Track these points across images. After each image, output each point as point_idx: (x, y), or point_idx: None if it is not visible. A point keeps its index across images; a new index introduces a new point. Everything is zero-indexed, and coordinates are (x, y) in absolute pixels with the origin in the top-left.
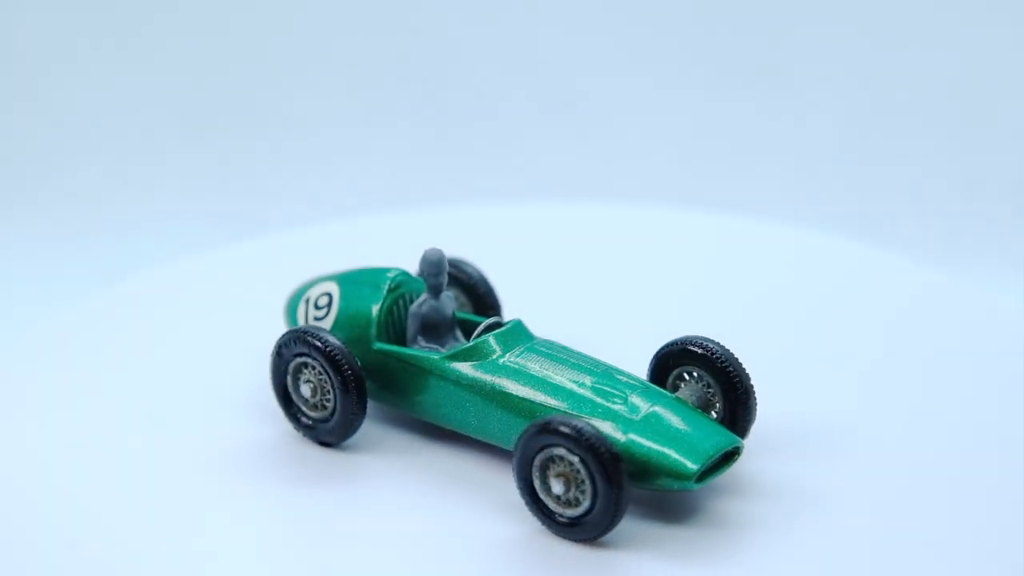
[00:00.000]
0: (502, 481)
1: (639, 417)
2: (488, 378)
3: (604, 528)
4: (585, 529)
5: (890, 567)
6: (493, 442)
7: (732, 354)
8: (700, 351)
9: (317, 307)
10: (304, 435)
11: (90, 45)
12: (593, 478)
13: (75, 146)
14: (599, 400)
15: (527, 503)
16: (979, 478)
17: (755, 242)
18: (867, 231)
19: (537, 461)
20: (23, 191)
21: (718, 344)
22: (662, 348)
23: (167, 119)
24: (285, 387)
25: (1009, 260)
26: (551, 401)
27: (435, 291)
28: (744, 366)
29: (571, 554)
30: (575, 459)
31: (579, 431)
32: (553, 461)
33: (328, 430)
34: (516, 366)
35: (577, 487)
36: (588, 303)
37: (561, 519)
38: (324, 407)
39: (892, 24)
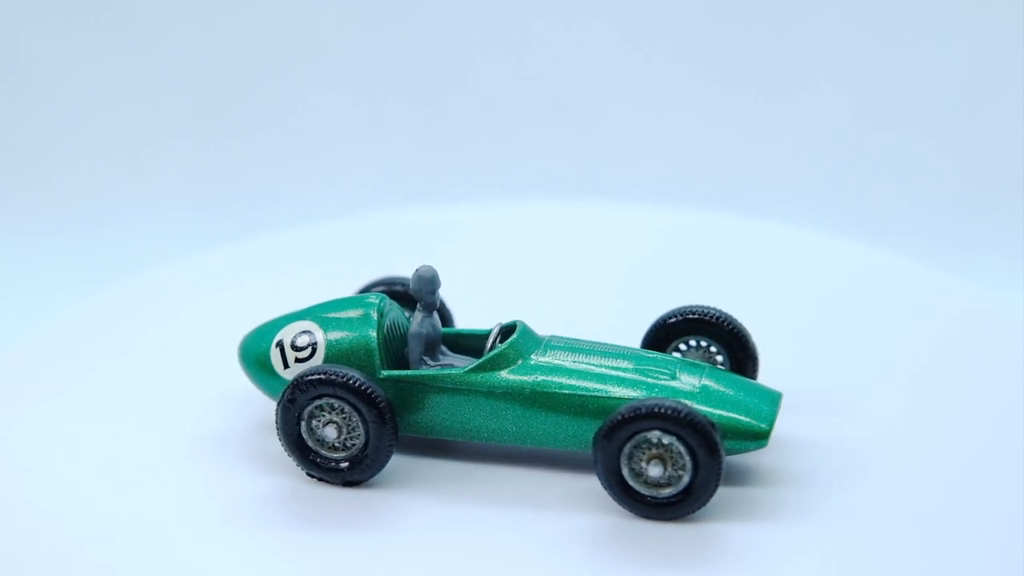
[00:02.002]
0: (542, 480)
1: (697, 389)
2: (527, 379)
3: (706, 499)
4: (687, 504)
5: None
6: (534, 445)
7: (731, 315)
8: (703, 317)
9: (297, 348)
10: (323, 479)
11: (90, 44)
12: (694, 452)
13: (76, 146)
14: (652, 380)
15: (614, 495)
16: (980, 476)
17: (755, 242)
18: (868, 231)
19: (626, 449)
20: (22, 191)
21: (715, 308)
22: (655, 323)
23: (166, 119)
24: (299, 435)
25: (1012, 259)
26: (607, 389)
27: (430, 308)
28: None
29: (657, 532)
30: (671, 438)
31: (675, 410)
32: (640, 447)
33: (361, 467)
34: (549, 364)
35: (674, 465)
36: (585, 303)
37: (657, 501)
38: (348, 447)
39: (893, 23)
